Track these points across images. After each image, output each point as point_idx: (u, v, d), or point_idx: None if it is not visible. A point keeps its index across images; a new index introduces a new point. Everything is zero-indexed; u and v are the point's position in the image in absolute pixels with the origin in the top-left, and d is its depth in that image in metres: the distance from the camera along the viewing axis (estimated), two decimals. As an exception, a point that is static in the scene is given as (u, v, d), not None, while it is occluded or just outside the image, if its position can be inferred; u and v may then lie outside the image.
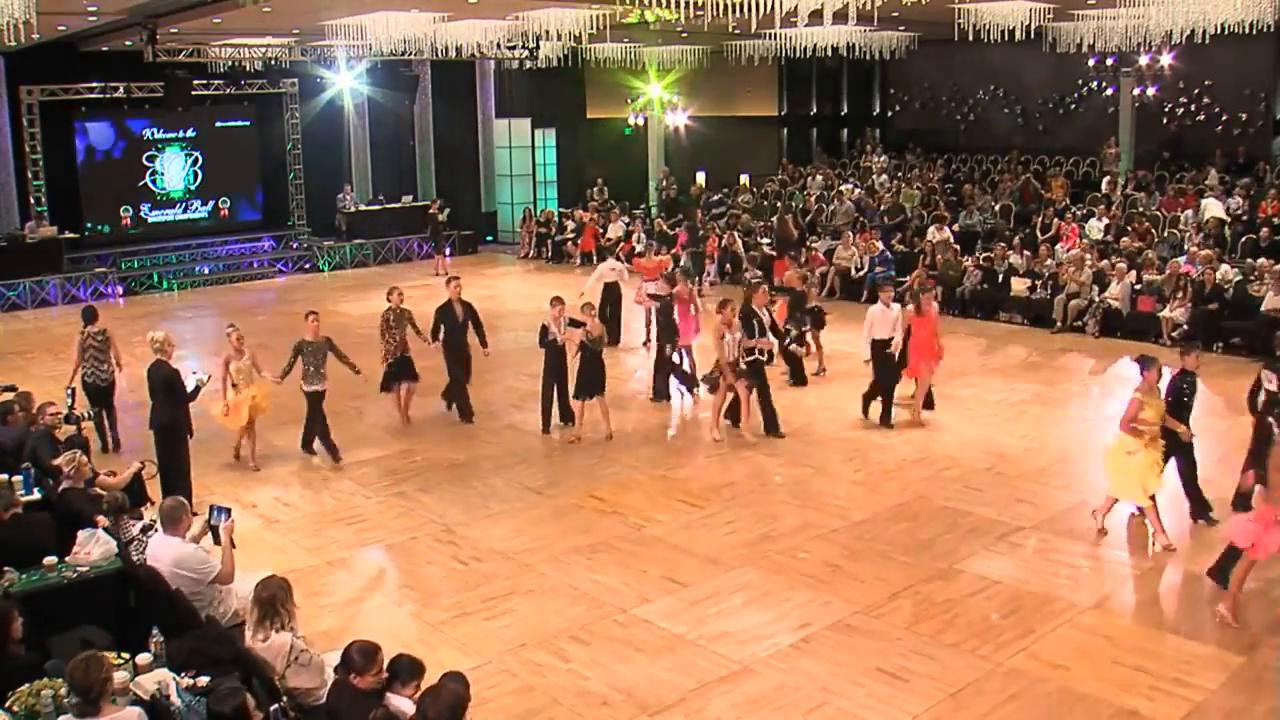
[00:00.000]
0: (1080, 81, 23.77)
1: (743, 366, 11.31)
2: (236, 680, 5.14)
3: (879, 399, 11.97)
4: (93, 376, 11.32)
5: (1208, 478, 10.11)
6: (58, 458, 8.06)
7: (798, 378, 13.48)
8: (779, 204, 23.39)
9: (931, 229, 19.43)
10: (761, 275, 16.42)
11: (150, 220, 23.23)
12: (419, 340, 12.11)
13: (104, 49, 20.28)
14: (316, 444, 11.23)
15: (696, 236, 21.05)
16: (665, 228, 22.69)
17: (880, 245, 19.06)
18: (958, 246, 18.83)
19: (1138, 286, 16.16)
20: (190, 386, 9.69)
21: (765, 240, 20.79)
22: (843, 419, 12.21)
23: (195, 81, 21.00)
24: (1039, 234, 19.28)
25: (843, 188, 23.41)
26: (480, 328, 12.36)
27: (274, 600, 5.54)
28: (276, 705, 5.02)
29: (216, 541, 6.79)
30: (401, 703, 5.11)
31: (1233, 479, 9.25)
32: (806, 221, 22.04)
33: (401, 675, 5.18)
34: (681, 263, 21.17)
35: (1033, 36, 16.22)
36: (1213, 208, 18.49)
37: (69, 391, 10.71)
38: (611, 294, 15.63)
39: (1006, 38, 15.49)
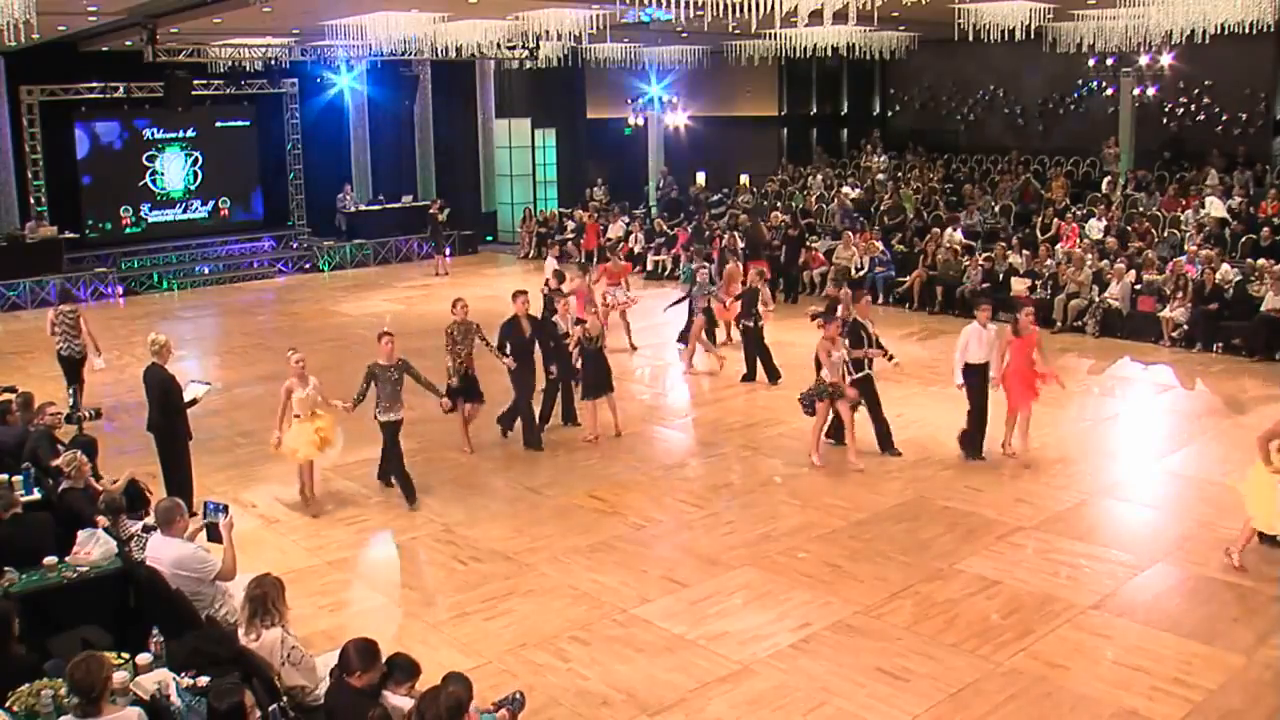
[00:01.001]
0: (1080, 81, 23.74)
1: (848, 383, 10.49)
2: (237, 679, 5.14)
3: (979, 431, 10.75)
4: (67, 350, 12.50)
5: (1207, 478, 10.13)
6: (58, 458, 8.06)
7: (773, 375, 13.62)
8: (767, 204, 23.37)
9: (948, 230, 19.39)
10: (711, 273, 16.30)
11: (150, 220, 23.22)
12: (486, 355, 11.22)
13: (104, 49, 20.29)
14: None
15: (702, 237, 21.08)
16: (666, 227, 22.70)
17: (880, 245, 19.10)
18: (957, 247, 18.78)
19: (1138, 286, 16.17)
20: (189, 396, 9.64)
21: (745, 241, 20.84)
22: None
23: (195, 81, 21.01)
24: (1039, 234, 19.28)
25: (843, 190, 23.41)
26: (546, 346, 11.51)
27: (265, 598, 5.56)
28: (276, 705, 5.03)
29: (211, 538, 6.82)
30: (399, 700, 5.12)
31: (1233, 479, 9.25)
32: (805, 223, 22.04)
33: (396, 674, 5.19)
34: (682, 264, 21.33)
35: (1033, 36, 16.22)
36: (1215, 206, 18.50)
37: (71, 391, 10.71)
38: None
39: (1006, 38, 15.49)
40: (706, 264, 15.91)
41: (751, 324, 13.50)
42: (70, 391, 10.73)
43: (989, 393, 10.48)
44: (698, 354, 14.59)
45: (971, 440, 10.73)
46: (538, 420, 11.88)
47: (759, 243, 19.72)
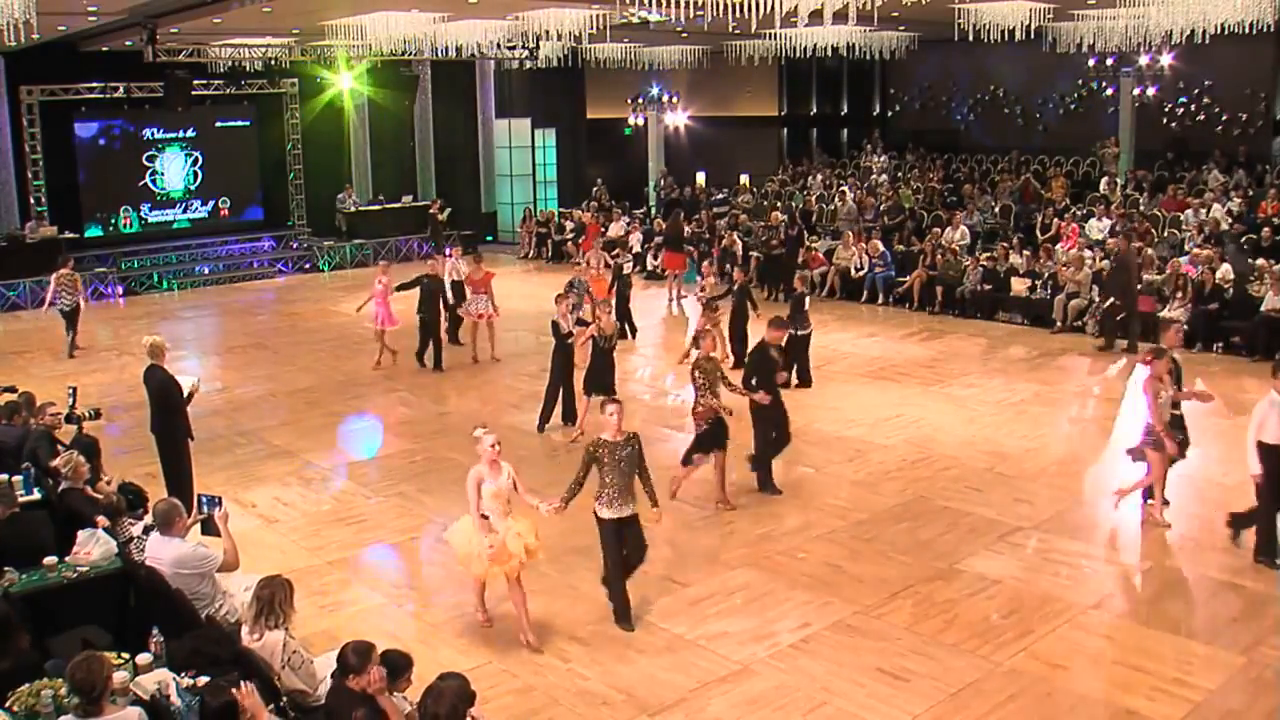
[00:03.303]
0: (1080, 81, 23.77)
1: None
2: (236, 678, 5.15)
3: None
4: (61, 304, 15.90)
5: (1207, 478, 10.13)
6: (58, 458, 8.05)
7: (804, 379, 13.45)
8: (766, 204, 23.38)
9: (948, 231, 19.36)
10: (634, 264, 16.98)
11: (150, 220, 23.22)
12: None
13: (104, 49, 20.29)
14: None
15: (704, 236, 21.31)
16: (666, 227, 22.73)
17: (880, 246, 19.09)
18: (956, 248, 18.73)
19: (1138, 287, 16.14)
20: (186, 388, 9.61)
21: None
22: (842, 419, 12.20)
23: (195, 81, 21.02)
24: (1039, 234, 19.27)
25: (842, 190, 23.41)
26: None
27: (273, 599, 5.59)
28: (273, 705, 5.02)
29: (206, 533, 6.85)
30: (395, 702, 5.14)
31: (1233, 479, 9.25)
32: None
33: (394, 673, 5.19)
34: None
35: (1033, 36, 16.22)
36: (1217, 212, 18.48)
37: (70, 391, 10.71)
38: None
39: (1006, 38, 15.49)
40: (632, 260, 16.74)
41: (794, 331, 12.76)
42: (70, 391, 10.72)
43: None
44: None
45: (1246, 522, 8.54)
46: (539, 419, 11.90)
47: (677, 236, 20.27)
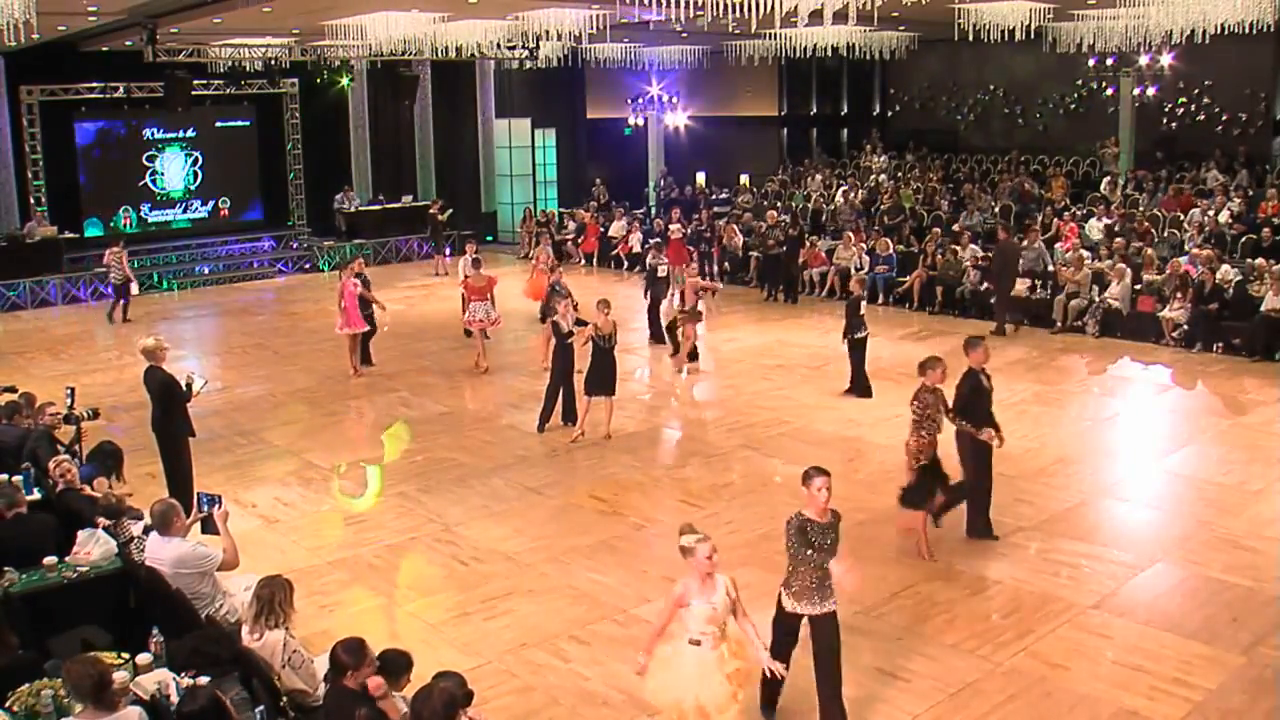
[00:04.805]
0: (1080, 81, 23.76)
1: None
2: (235, 680, 5.16)
3: None
4: (113, 278, 18.36)
5: (1207, 478, 10.13)
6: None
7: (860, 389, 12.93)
8: (766, 203, 23.40)
9: (955, 248, 19.18)
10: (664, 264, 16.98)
11: (150, 220, 23.21)
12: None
13: (104, 49, 20.28)
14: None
15: (703, 236, 21.29)
16: (665, 227, 22.74)
17: (889, 245, 19.07)
18: (957, 248, 18.70)
19: (1138, 287, 16.16)
20: (185, 384, 9.57)
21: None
22: (842, 418, 12.19)
23: (195, 81, 20.98)
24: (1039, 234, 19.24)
25: (844, 189, 23.40)
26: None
27: (273, 599, 5.59)
28: (261, 707, 5.02)
29: (205, 530, 6.86)
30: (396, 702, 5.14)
31: (1233, 479, 9.25)
32: (808, 222, 22.06)
33: (393, 673, 5.18)
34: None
35: (1033, 36, 16.22)
36: (1223, 215, 18.49)
37: (69, 391, 10.71)
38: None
39: (1006, 38, 15.49)
40: (665, 259, 17.03)
41: (851, 335, 12.79)
42: (68, 391, 10.73)
43: None
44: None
45: None
46: (539, 419, 11.90)
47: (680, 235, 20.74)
